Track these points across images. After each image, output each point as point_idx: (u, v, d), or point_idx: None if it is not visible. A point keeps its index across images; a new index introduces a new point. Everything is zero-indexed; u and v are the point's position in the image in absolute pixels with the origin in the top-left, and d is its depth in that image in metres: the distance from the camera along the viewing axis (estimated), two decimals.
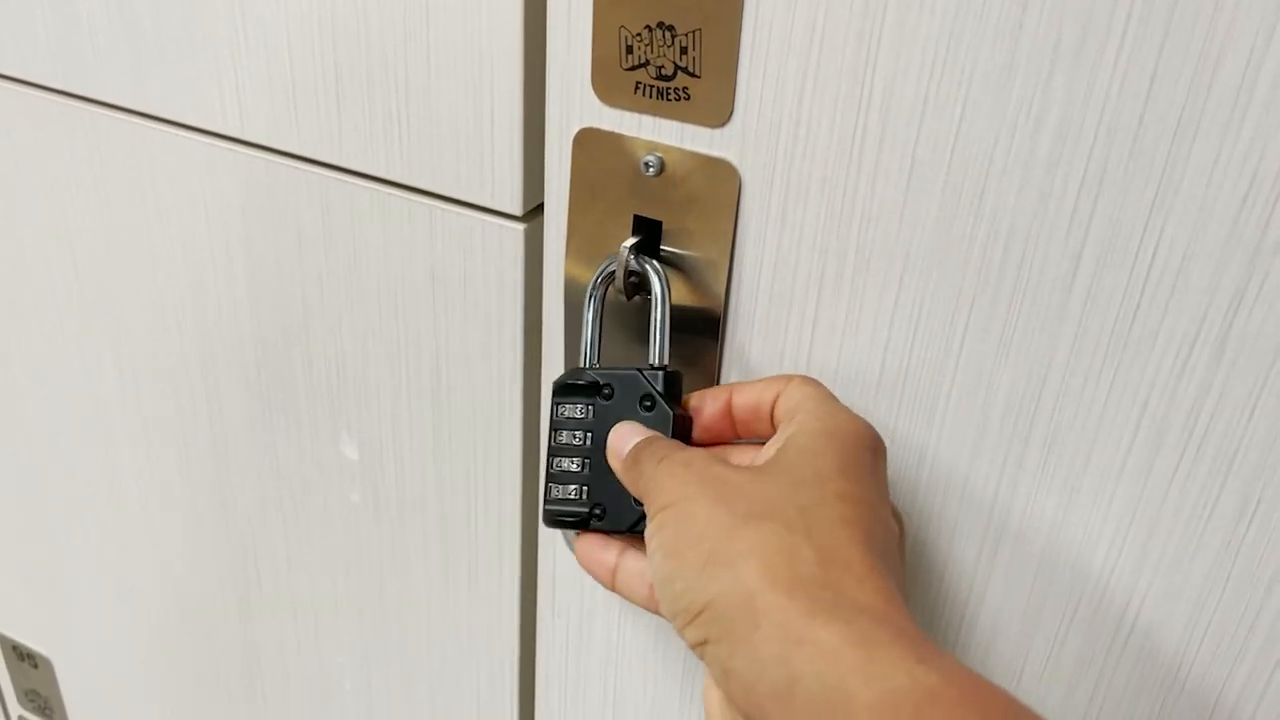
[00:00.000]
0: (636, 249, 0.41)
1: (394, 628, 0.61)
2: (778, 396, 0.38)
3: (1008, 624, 0.41)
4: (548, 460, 0.42)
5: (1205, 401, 0.35)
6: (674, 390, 0.40)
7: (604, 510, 0.40)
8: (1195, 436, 0.35)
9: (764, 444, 0.37)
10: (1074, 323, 0.35)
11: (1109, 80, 0.32)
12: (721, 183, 0.39)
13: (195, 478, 0.65)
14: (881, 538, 0.33)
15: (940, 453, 0.40)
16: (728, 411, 0.39)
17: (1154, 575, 0.38)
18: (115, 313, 0.62)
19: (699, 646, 0.32)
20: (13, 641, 0.88)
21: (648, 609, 0.39)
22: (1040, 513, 0.39)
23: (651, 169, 0.40)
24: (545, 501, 0.42)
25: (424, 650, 0.60)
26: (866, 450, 0.35)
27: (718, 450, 0.40)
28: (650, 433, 0.39)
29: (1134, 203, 0.33)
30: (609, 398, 0.40)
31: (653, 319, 0.41)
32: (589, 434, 0.41)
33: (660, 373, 0.40)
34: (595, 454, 0.40)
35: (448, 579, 0.57)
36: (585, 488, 0.41)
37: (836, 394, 0.40)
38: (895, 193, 0.36)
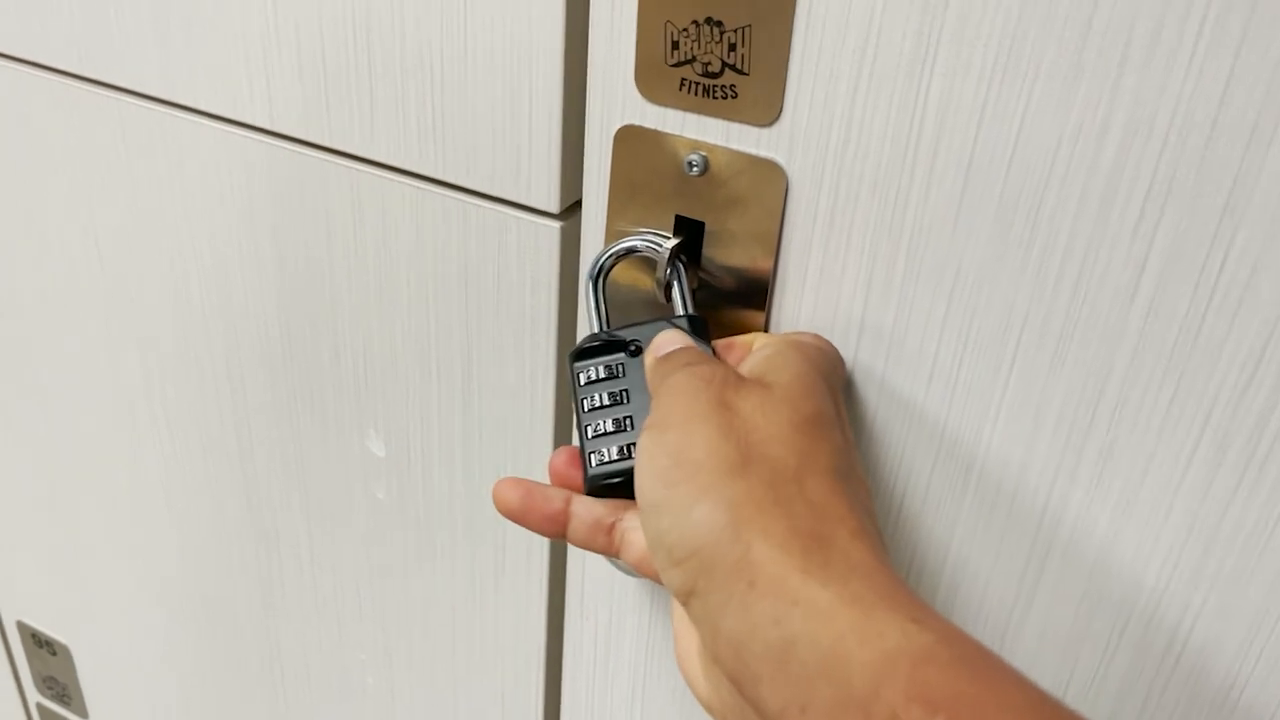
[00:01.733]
0: (679, 250, 0.40)
1: (418, 625, 0.60)
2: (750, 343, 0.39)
3: (1054, 637, 0.40)
4: (582, 430, 0.39)
5: (1271, 418, 0.33)
6: (702, 334, 0.39)
7: None
8: (1259, 453, 0.34)
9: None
10: (1135, 335, 0.34)
11: (1182, 81, 0.31)
12: (768, 184, 0.38)
13: (218, 469, 0.64)
14: (861, 488, 0.33)
15: (987, 465, 0.39)
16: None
17: (1209, 593, 0.37)
18: (140, 302, 0.61)
19: (685, 596, 0.30)
20: (32, 629, 0.87)
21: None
22: (1092, 526, 0.38)
23: (695, 168, 0.39)
24: (587, 474, 0.39)
25: (448, 649, 0.60)
26: (839, 390, 0.36)
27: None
28: (693, 341, 0.37)
29: (1203, 210, 0.32)
30: (637, 353, 0.39)
31: (674, 288, 0.40)
32: (624, 391, 0.39)
33: (689, 317, 0.39)
34: (634, 410, 0.39)
35: (474, 578, 0.56)
36: (629, 445, 0.38)
37: (881, 405, 0.39)
38: (949, 200, 0.35)
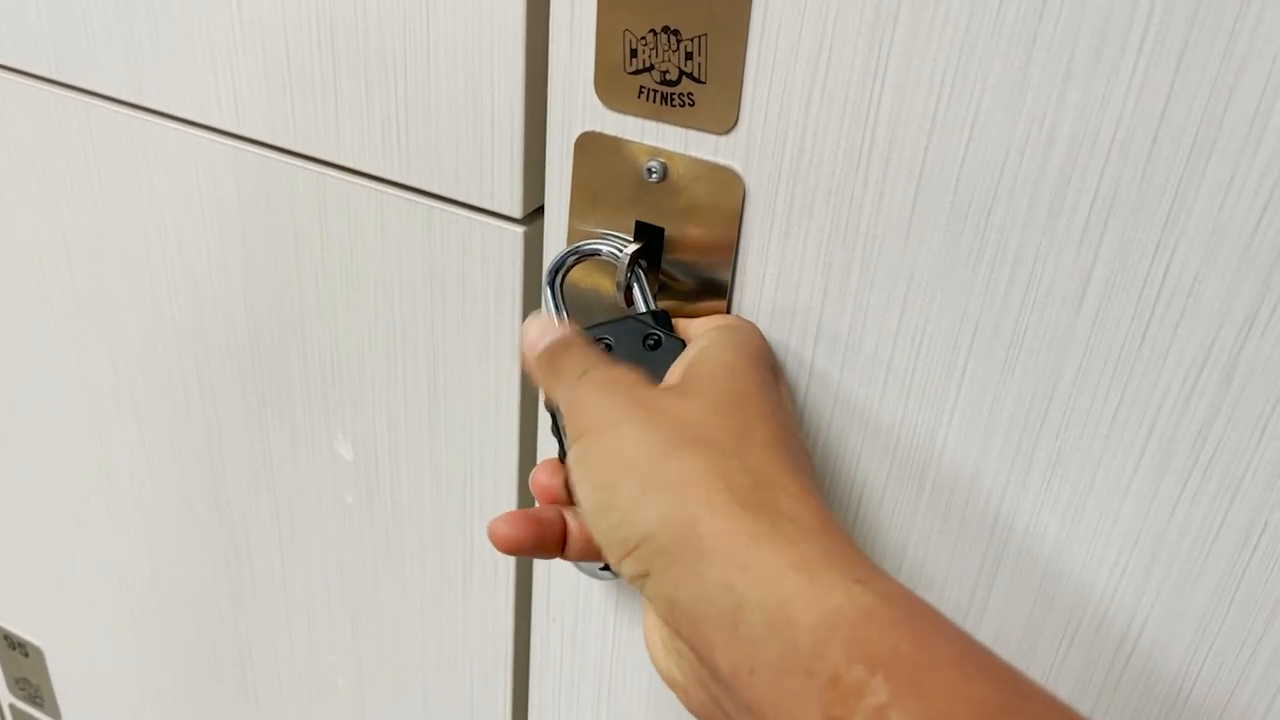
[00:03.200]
0: (638, 255, 0.41)
1: (387, 627, 0.61)
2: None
3: (1006, 642, 0.41)
4: (559, 443, 0.41)
5: (1214, 425, 0.34)
6: (665, 327, 0.40)
7: None
8: (1202, 460, 0.35)
9: None
10: (1082, 342, 0.35)
11: (1124, 96, 0.31)
12: (725, 191, 0.39)
13: (189, 473, 0.64)
14: (804, 458, 0.33)
15: (942, 470, 0.39)
16: None
17: (1157, 597, 0.37)
18: (109, 305, 0.61)
19: (639, 579, 0.31)
20: (4, 630, 0.87)
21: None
22: (1043, 532, 0.38)
23: (654, 175, 0.40)
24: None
25: (417, 650, 0.60)
26: (771, 371, 0.36)
27: None
28: (564, 330, 0.37)
29: (1146, 222, 0.32)
30: (611, 348, 0.40)
31: (635, 288, 0.41)
32: None
33: (653, 312, 0.40)
34: None
35: (442, 580, 0.56)
36: None
37: (836, 412, 0.40)
38: (901, 209, 0.36)
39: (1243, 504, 0.35)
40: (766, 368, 0.35)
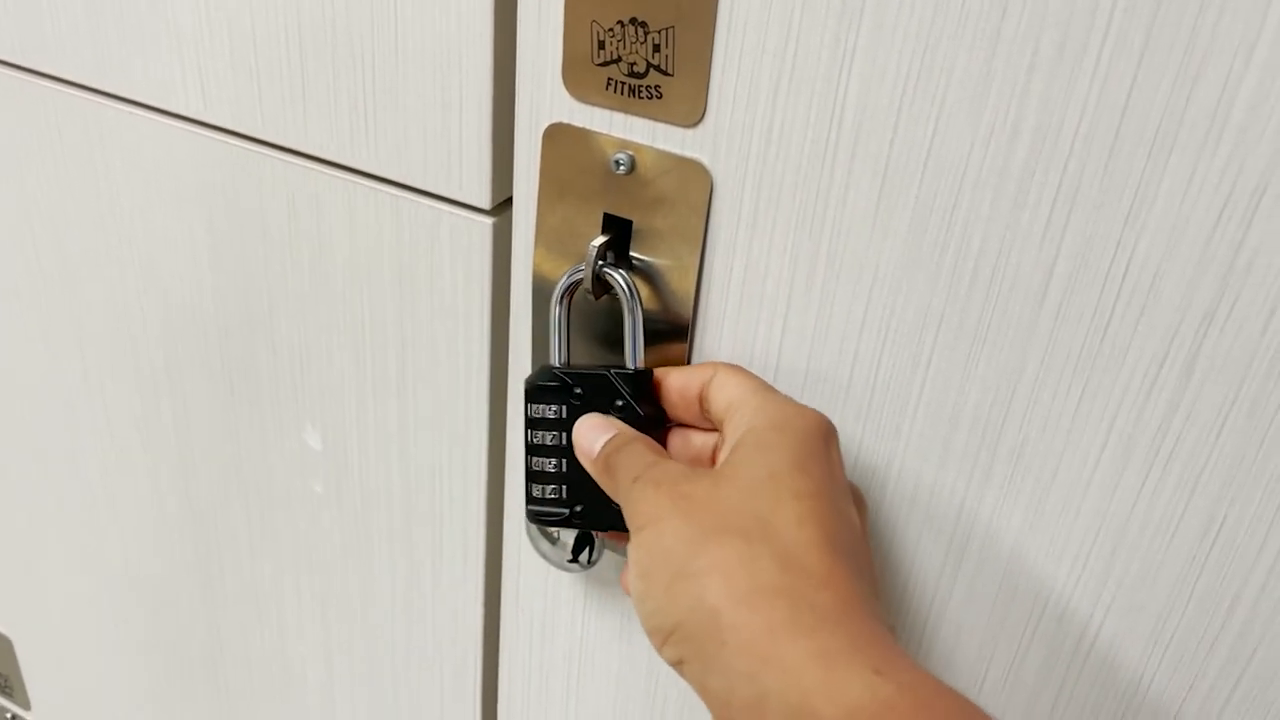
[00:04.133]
0: (605, 248, 0.41)
1: (357, 619, 0.60)
2: (705, 385, 0.38)
3: (970, 634, 0.41)
4: (527, 459, 0.42)
5: (1173, 419, 0.34)
6: (644, 390, 0.40)
7: (584, 509, 0.41)
8: (1163, 453, 0.35)
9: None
10: (1044, 336, 0.35)
11: (1087, 89, 0.31)
12: (693, 183, 0.39)
13: (158, 464, 0.64)
14: (843, 531, 0.33)
15: (906, 462, 0.39)
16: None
17: (1118, 589, 0.38)
18: (76, 294, 0.61)
19: (676, 665, 0.33)
20: None
21: None
22: (1006, 524, 0.38)
23: (622, 167, 0.40)
24: (528, 501, 0.42)
25: (387, 641, 0.60)
26: (818, 439, 0.35)
27: (682, 433, 0.40)
28: (614, 428, 0.38)
29: (1108, 217, 0.33)
30: (580, 398, 0.40)
31: (626, 325, 0.40)
32: (563, 433, 0.41)
33: (629, 374, 0.40)
34: (571, 454, 0.40)
35: (412, 571, 0.56)
36: (564, 486, 0.41)
37: (805, 401, 0.40)
38: (867, 201, 0.36)
39: (1202, 498, 0.35)
40: (810, 437, 0.34)
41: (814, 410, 0.36)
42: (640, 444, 0.37)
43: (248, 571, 0.64)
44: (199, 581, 0.67)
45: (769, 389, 0.37)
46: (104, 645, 0.78)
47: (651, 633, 0.33)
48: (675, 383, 0.40)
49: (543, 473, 0.42)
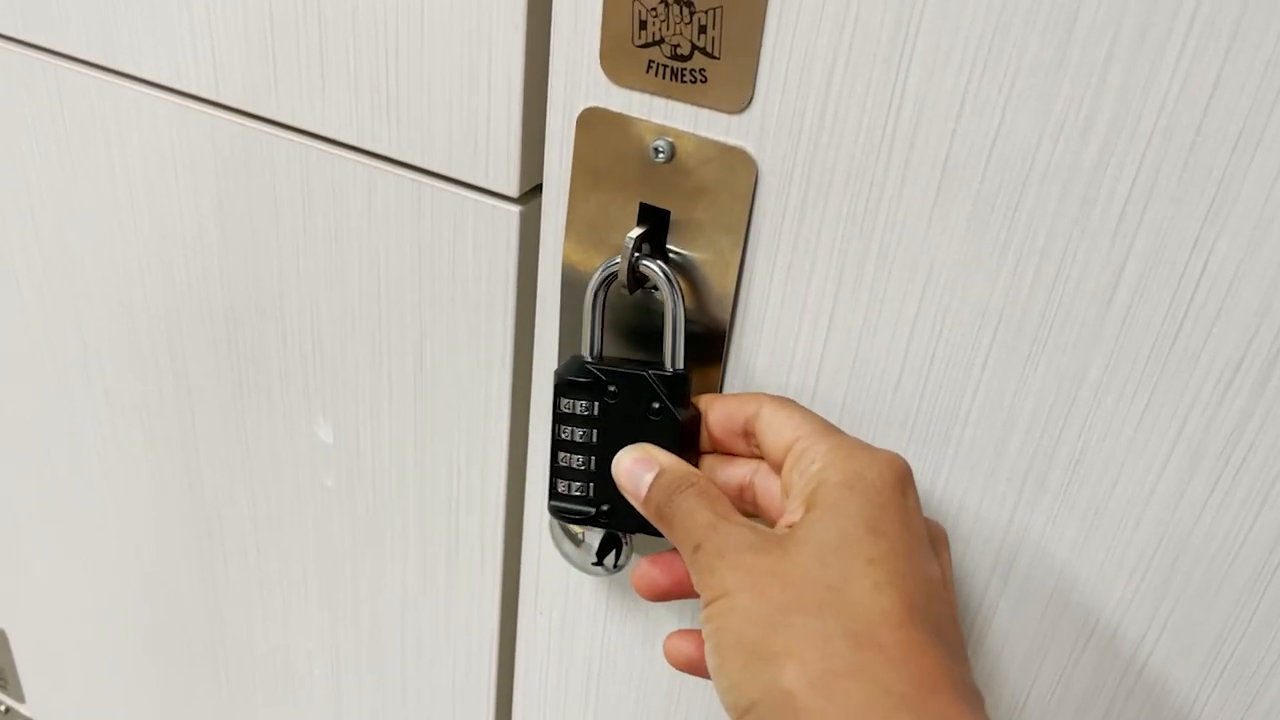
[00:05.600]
0: (642, 240, 0.39)
1: (366, 616, 0.59)
2: (751, 419, 0.37)
3: (1016, 646, 0.39)
4: (552, 453, 0.40)
5: (1246, 428, 0.33)
6: (682, 393, 0.38)
7: (612, 509, 0.40)
8: (1233, 464, 0.33)
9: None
10: (1111, 339, 0.33)
11: (1169, 81, 0.30)
12: (736, 173, 0.37)
13: (160, 454, 0.62)
14: (920, 591, 0.31)
15: (956, 467, 0.38)
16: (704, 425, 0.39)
17: (1175, 605, 0.36)
18: (77, 278, 0.59)
19: None
20: None
21: None
22: (1060, 535, 0.37)
23: (661, 155, 0.38)
24: (551, 495, 0.41)
25: (397, 641, 0.58)
26: (893, 490, 0.33)
27: (721, 460, 0.39)
28: (657, 463, 0.37)
29: (1185, 215, 0.31)
30: (615, 397, 0.39)
31: (665, 323, 0.39)
32: (594, 431, 0.40)
33: (667, 376, 0.38)
34: (602, 452, 0.39)
35: (425, 570, 0.54)
36: (591, 484, 0.40)
37: (848, 407, 0.38)
38: (925, 194, 0.34)
39: (1272, 510, 0.33)
40: (883, 490, 0.33)
41: (886, 454, 0.34)
42: (694, 495, 0.35)
43: (254, 565, 0.62)
44: (202, 575, 0.65)
45: (832, 430, 0.35)
46: (102, 638, 0.76)
47: (728, 708, 0.32)
48: (717, 415, 0.38)
49: (569, 469, 0.40)
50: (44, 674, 0.84)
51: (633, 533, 0.42)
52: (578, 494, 0.40)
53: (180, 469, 0.62)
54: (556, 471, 0.40)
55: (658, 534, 0.39)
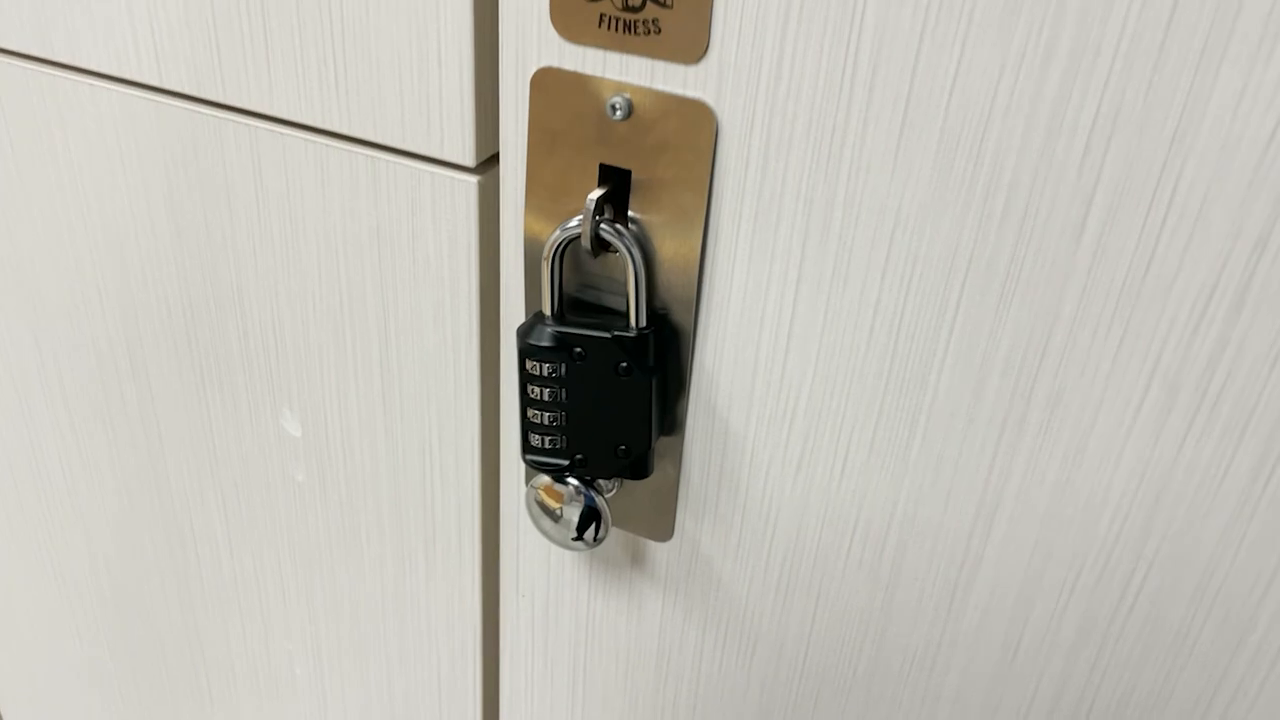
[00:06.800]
0: (603, 202, 0.38)
1: (346, 611, 0.57)
2: None
3: (1005, 592, 0.39)
4: (521, 408, 0.41)
5: (1222, 356, 0.32)
6: (645, 353, 0.38)
7: (586, 458, 0.41)
8: (1210, 393, 0.33)
9: None
10: (1083, 273, 0.33)
11: (1128, 3, 0.29)
12: (696, 126, 0.36)
13: (124, 457, 0.60)
14: None
15: (934, 416, 0.37)
16: None
17: (1162, 541, 0.36)
18: (28, 278, 0.57)
19: None
20: None
21: None
22: (1042, 476, 0.36)
23: (619, 112, 0.37)
24: (525, 449, 0.42)
25: (379, 634, 0.57)
26: None
27: None
28: None
29: (1151, 140, 0.30)
30: (581, 358, 0.38)
31: (629, 283, 0.38)
32: (563, 390, 0.40)
33: (631, 337, 0.37)
34: (572, 408, 0.40)
35: (403, 559, 0.53)
36: (564, 438, 0.41)
37: (822, 360, 0.38)
38: (887, 136, 0.33)
39: (1253, 439, 0.33)
40: None
41: None
42: None
43: (227, 568, 0.61)
44: (174, 581, 0.64)
45: None
46: (78, 653, 0.74)
47: None
48: None
49: (540, 425, 0.41)
50: (19, 691, 0.82)
51: (609, 478, 0.42)
52: (551, 447, 0.41)
53: (146, 472, 0.60)
54: (528, 426, 0.41)
55: (635, 478, 0.40)
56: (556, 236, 0.39)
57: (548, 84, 0.38)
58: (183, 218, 0.49)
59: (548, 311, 0.40)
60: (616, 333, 0.38)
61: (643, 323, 0.39)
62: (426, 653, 0.56)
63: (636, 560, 0.46)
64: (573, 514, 0.45)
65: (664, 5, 0.34)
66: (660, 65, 0.35)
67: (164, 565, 0.64)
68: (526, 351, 0.40)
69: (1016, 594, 0.39)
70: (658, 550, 0.46)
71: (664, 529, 0.45)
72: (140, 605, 0.67)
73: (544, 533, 0.46)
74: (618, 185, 0.38)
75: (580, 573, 0.48)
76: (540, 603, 0.50)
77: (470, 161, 0.41)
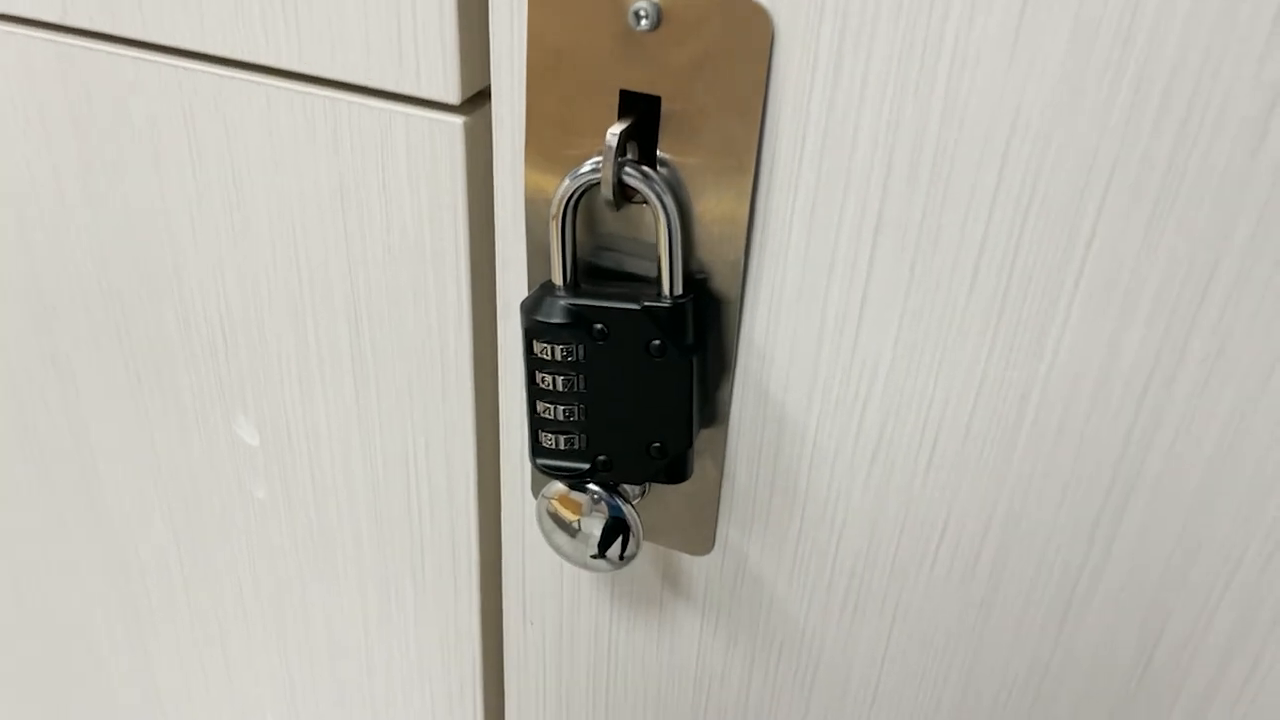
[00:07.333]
0: (627, 137, 0.30)
1: (322, 650, 0.50)
2: None
3: (1135, 597, 0.32)
4: (529, 403, 0.35)
5: None
6: (683, 325, 0.32)
7: (610, 460, 0.35)
8: None
9: None
10: (1265, 189, 0.26)
11: None
12: (745, 34, 0.28)
13: (53, 477, 0.53)
14: None
15: (1053, 381, 0.30)
16: None
17: None
18: None
19: None
20: None
21: None
22: (1195, 448, 0.29)
23: (645, 20, 0.29)
24: (535, 452, 0.35)
25: (363, 674, 0.50)
26: None
27: None
28: None
29: None
30: (603, 336, 0.31)
31: (660, 241, 0.31)
32: (581, 377, 0.33)
33: (665, 307, 0.31)
34: (593, 400, 0.34)
35: (388, 585, 0.46)
36: (583, 436, 0.35)
37: (908, 321, 0.30)
38: (1002, 30, 0.26)
39: None
40: None
41: None
42: None
43: (182, 603, 0.53)
44: (120, 618, 0.56)
45: None
46: (12, 707, 0.66)
47: None
48: None
49: (552, 421, 0.34)
50: None
51: (640, 483, 0.35)
52: (567, 448, 0.34)
53: (81, 495, 0.52)
54: (538, 424, 0.35)
55: (671, 482, 0.34)
56: (567, 187, 0.31)
57: None
58: (98, 184, 0.41)
59: (559, 281, 0.33)
60: (647, 303, 0.32)
61: (678, 290, 0.32)
62: (418, 695, 0.48)
63: (668, 578, 0.39)
64: (593, 527, 0.37)
65: None
66: None
67: (107, 598, 0.56)
68: (534, 331, 0.33)
69: (1151, 598, 0.32)
70: (694, 565, 0.38)
71: (703, 541, 0.38)
72: (82, 646, 0.59)
73: (558, 549, 0.39)
74: (644, 117, 0.31)
75: (600, 595, 0.41)
76: (552, 632, 0.43)
77: (454, 98, 0.34)
